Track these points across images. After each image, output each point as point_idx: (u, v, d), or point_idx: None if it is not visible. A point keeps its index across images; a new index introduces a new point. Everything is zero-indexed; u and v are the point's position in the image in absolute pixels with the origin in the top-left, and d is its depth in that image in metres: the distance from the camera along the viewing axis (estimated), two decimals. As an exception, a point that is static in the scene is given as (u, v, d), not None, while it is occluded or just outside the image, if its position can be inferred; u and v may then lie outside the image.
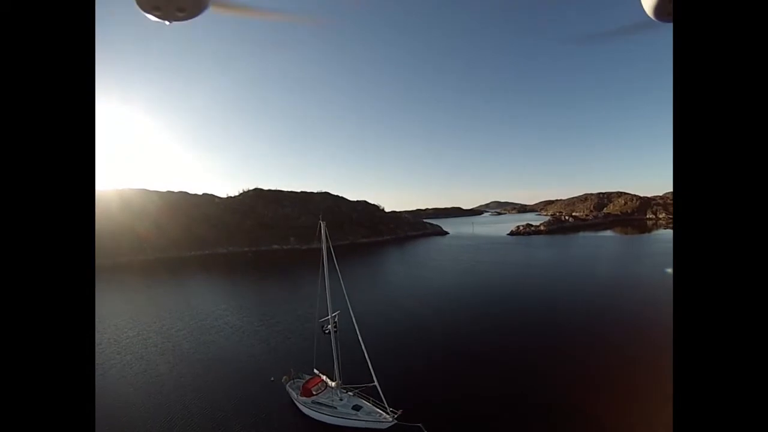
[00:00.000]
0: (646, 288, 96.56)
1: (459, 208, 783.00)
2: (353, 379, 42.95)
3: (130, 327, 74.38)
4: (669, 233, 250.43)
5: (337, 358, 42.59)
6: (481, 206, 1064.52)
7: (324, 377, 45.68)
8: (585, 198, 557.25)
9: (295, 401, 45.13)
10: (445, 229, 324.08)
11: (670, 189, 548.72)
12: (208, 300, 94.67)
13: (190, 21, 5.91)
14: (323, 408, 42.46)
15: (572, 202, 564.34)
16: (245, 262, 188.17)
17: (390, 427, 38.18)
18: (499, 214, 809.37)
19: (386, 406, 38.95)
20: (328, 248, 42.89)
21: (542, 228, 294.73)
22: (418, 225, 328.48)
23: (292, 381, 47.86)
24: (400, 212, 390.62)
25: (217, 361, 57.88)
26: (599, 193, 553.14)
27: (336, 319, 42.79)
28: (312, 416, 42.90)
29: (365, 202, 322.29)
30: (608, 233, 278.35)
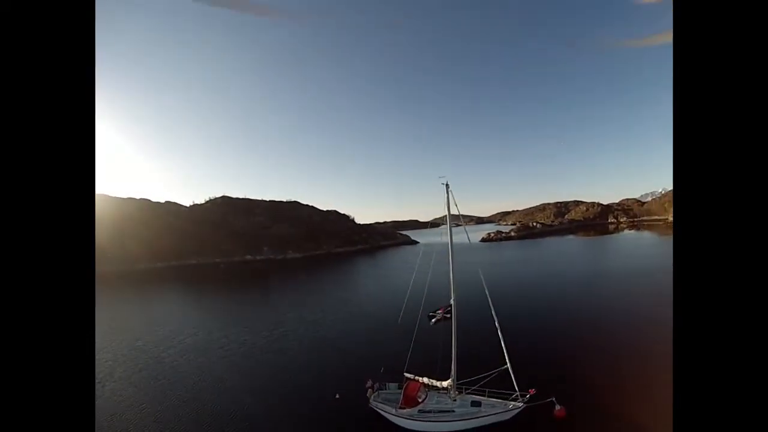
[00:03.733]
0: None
1: (416, 221, 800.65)
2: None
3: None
4: (633, 234, 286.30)
5: (456, 351, 36.75)
6: (437, 218, 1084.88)
7: (425, 379, 37.79)
8: (543, 208, 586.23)
9: (392, 416, 36.22)
10: (413, 239, 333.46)
11: (626, 196, 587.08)
12: (209, 318, 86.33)
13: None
14: (438, 416, 34.98)
15: (530, 212, 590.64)
16: (240, 271, 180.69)
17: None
18: (457, 225, 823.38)
19: (516, 390, 35.07)
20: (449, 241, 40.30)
21: (512, 234, 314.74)
22: (390, 235, 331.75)
23: (376, 393, 38.67)
24: (372, 224, 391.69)
25: (254, 393, 45.65)
26: (557, 203, 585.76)
27: (452, 306, 36.99)
28: (419, 429, 35.13)
29: (336, 212, 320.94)
30: (571, 237, 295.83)
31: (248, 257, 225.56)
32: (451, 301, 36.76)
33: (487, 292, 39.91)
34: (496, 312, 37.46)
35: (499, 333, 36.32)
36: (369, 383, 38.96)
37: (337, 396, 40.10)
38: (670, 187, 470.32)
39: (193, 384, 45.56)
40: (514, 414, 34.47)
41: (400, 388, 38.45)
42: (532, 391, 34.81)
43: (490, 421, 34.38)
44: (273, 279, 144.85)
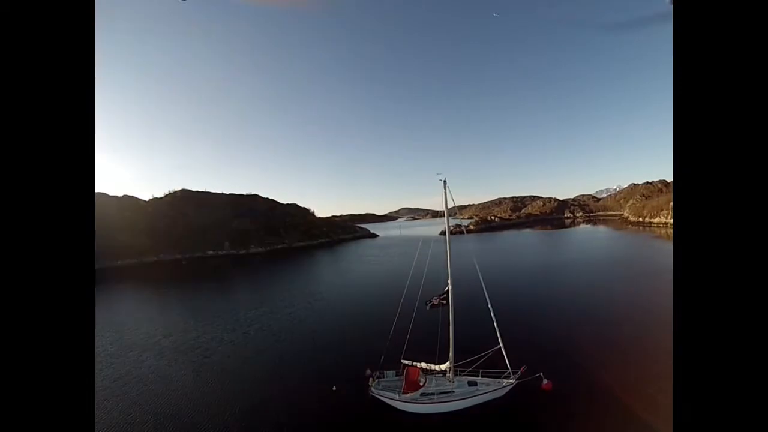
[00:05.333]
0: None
1: (373, 215, 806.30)
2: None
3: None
4: (589, 227, 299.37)
5: (453, 337, 39.31)
6: (392, 213, 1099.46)
7: (423, 364, 39.88)
8: (500, 202, 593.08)
9: (395, 401, 37.86)
10: (373, 232, 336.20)
11: (582, 192, 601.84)
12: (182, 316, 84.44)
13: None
14: (439, 397, 37.13)
15: (487, 206, 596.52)
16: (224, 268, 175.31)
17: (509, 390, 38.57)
18: (414, 219, 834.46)
19: (509, 368, 38.55)
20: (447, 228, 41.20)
21: (471, 227, 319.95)
22: (349, 228, 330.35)
23: (376, 382, 39.82)
24: (330, 217, 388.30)
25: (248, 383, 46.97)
26: (513, 197, 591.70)
27: (448, 292, 38.51)
28: (423, 411, 36.98)
29: (296, 205, 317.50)
30: (527, 231, 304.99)
31: (210, 253, 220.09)
32: (448, 287, 38.33)
33: (480, 278, 42.39)
34: (488, 296, 40.44)
35: (492, 315, 39.19)
36: (368, 372, 40.30)
37: (335, 388, 41.07)
38: (625, 185, 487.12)
39: (181, 387, 45.25)
40: (507, 390, 37.73)
41: (396, 375, 40.27)
42: (524, 369, 38.26)
43: (487, 398, 37.18)
44: (238, 275, 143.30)
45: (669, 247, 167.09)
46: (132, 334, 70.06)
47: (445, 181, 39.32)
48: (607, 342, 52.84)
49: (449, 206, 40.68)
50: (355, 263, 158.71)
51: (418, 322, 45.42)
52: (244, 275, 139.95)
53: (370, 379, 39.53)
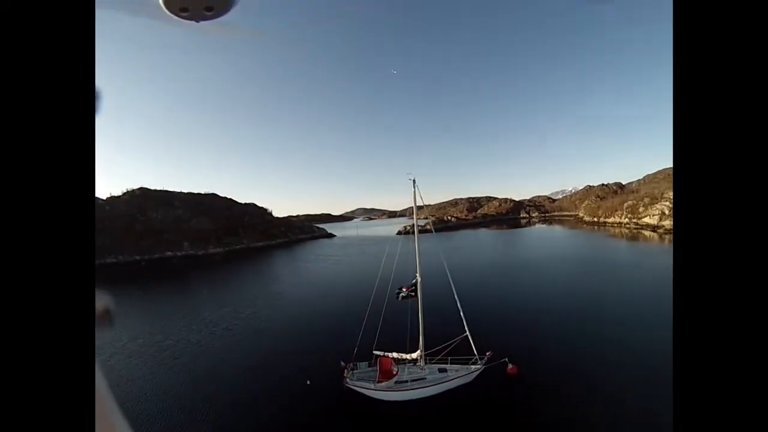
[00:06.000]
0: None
1: (329, 215, 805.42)
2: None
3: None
4: (545, 227, 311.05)
5: (423, 326, 41.95)
6: (348, 213, 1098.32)
7: (394, 354, 42.11)
8: (455, 203, 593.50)
9: (371, 391, 39.43)
10: (330, 232, 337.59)
11: (538, 193, 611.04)
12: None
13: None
14: (412, 384, 39.20)
15: (443, 206, 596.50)
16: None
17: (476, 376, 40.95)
18: (370, 219, 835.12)
19: (476, 354, 40.95)
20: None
21: (428, 227, 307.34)
22: (307, 228, 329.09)
23: (351, 374, 41.29)
24: (287, 217, 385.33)
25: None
26: (469, 198, 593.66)
27: (417, 284, 41.35)
28: (397, 399, 39.01)
29: (254, 205, 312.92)
30: (484, 230, 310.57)
31: (168, 253, 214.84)
32: (417, 279, 40.91)
33: (447, 271, 46.50)
34: (454, 288, 43.60)
35: (459, 305, 42.09)
36: (342, 365, 41.79)
37: (309, 382, 42.19)
38: (581, 186, 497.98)
39: (155, 390, 45.01)
40: (475, 375, 40.22)
41: (369, 366, 41.90)
42: (489, 354, 40.93)
43: (457, 384, 39.44)
44: (199, 276, 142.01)
45: (623, 244, 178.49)
46: (97, 338, 68.27)
47: (414, 181, 41.57)
48: (565, 330, 57.36)
49: (419, 204, 43.42)
50: (315, 263, 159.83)
51: (388, 316, 47.60)
52: (206, 276, 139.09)
53: (345, 371, 40.94)
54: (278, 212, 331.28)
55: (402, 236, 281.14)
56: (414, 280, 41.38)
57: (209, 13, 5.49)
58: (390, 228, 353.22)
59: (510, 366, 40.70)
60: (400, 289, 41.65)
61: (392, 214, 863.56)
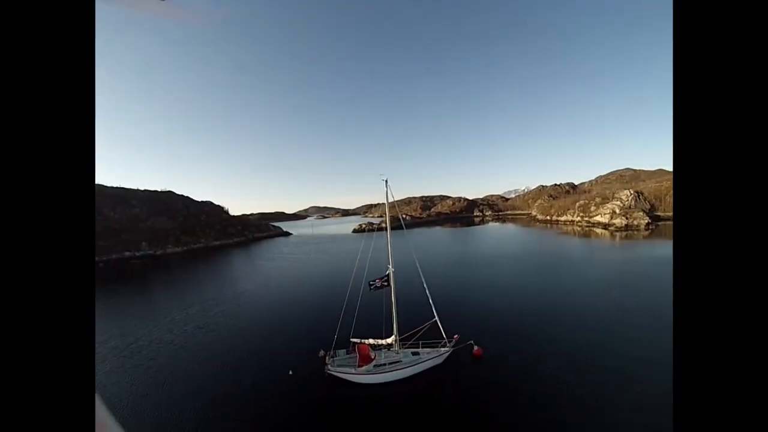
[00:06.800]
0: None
1: (283, 213, 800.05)
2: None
3: None
4: (498, 225, 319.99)
5: (396, 313, 44.55)
6: (302, 211, 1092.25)
7: (371, 340, 45.56)
8: (409, 201, 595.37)
9: (352, 375, 42.18)
10: (286, 230, 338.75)
11: (491, 192, 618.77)
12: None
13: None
14: (390, 366, 42.22)
15: (395, 204, 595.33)
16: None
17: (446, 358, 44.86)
18: (324, 217, 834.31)
19: (445, 337, 45.47)
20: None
21: (383, 225, 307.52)
22: (263, 227, 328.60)
23: (332, 360, 44.19)
24: (243, 215, 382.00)
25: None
26: (422, 196, 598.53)
27: (390, 275, 44.03)
28: (376, 381, 41.95)
29: (211, 203, 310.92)
30: (438, 228, 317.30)
31: (127, 254, 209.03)
32: (389, 271, 43.78)
33: (417, 262, 52.73)
34: (423, 277, 48.16)
35: (428, 293, 46.19)
36: (321, 353, 44.80)
37: (291, 372, 44.24)
38: (534, 186, 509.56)
39: (135, 392, 44.66)
40: (445, 357, 44.22)
41: (347, 353, 45.08)
42: (456, 337, 45.76)
43: (430, 365, 43.18)
44: (161, 276, 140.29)
45: (575, 241, 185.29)
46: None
47: (386, 181, 44.89)
48: (522, 316, 63.24)
49: (390, 202, 47.02)
50: (274, 261, 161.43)
51: (363, 307, 50.77)
52: (167, 276, 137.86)
53: (327, 358, 43.97)
54: (233, 211, 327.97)
55: (359, 234, 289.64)
56: (387, 272, 44.18)
57: None
58: (345, 226, 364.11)
59: (475, 348, 46.12)
60: (374, 280, 44.35)
61: (345, 213, 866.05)
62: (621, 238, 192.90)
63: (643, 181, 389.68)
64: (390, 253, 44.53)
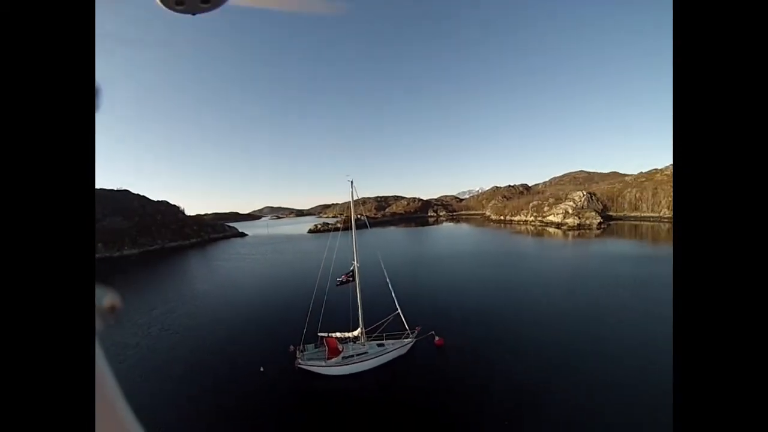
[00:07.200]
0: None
1: (237, 213, 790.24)
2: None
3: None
4: (452, 225, 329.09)
5: (362, 307, 47.24)
6: (255, 211, 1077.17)
7: (337, 334, 47.26)
8: (363, 201, 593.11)
9: (322, 368, 43.84)
10: (241, 231, 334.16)
11: (445, 193, 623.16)
12: None
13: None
14: (358, 357, 44.55)
15: (352, 204, 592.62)
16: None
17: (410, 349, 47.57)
18: (279, 217, 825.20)
19: (408, 328, 47.76)
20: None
21: (339, 225, 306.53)
22: (219, 227, 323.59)
23: (302, 355, 45.41)
24: (198, 215, 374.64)
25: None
26: (377, 197, 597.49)
27: (354, 270, 46.69)
28: (345, 372, 43.85)
29: (167, 202, 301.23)
30: (392, 228, 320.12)
31: None
32: (355, 267, 46.68)
33: (380, 259, 54.92)
34: (386, 272, 51.55)
35: (390, 287, 49.47)
36: (291, 348, 46.17)
37: (263, 369, 45.38)
38: (488, 187, 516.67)
39: None
40: (408, 347, 47.14)
41: (316, 347, 46.69)
42: (419, 328, 48.42)
43: (394, 355, 45.85)
44: (120, 279, 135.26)
45: (528, 239, 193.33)
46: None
47: (352, 183, 49.14)
48: (479, 308, 68.55)
49: (356, 201, 51.15)
50: (233, 261, 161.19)
51: (330, 303, 52.84)
52: (126, 279, 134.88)
53: (297, 353, 45.39)
54: (189, 210, 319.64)
55: (315, 234, 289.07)
56: (351, 267, 46.98)
57: (204, 6, 5.47)
58: (300, 227, 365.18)
59: (437, 338, 49.43)
60: (340, 276, 47.13)
61: (300, 213, 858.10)
62: (573, 236, 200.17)
63: (597, 182, 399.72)
64: (354, 249, 47.28)
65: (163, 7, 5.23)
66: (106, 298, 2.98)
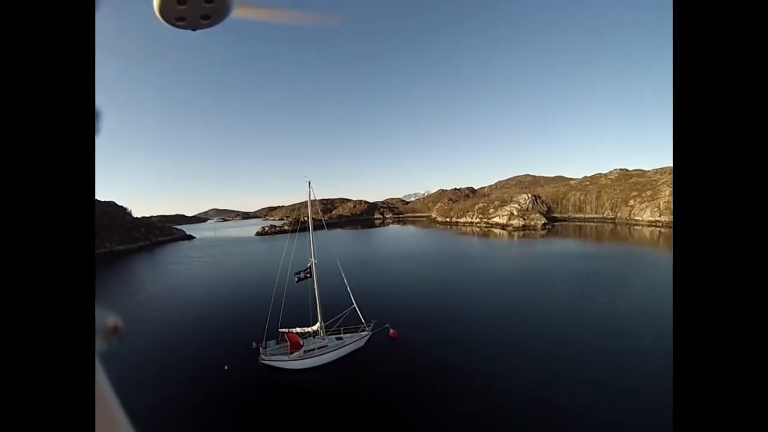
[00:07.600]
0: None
1: (183, 216, 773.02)
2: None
3: None
4: (399, 227, 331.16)
5: (319, 302, 49.11)
6: (201, 214, 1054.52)
7: (297, 329, 48.68)
8: (312, 203, 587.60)
9: (285, 362, 44.95)
10: (188, 234, 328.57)
11: (392, 196, 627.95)
12: None
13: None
14: (319, 351, 46.01)
15: (297, 207, 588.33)
16: None
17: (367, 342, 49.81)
18: (225, 220, 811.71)
19: (364, 322, 50.00)
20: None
21: (286, 227, 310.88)
22: (166, 230, 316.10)
23: (264, 351, 46.19)
24: (144, 217, 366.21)
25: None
26: (323, 199, 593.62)
27: (312, 267, 48.62)
28: (306, 366, 45.14)
29: (114, 203, 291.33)
30: (339, 230, 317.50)
31: None
32: (312, 263, 48.58)
33: (336, 257, 56.79)
34: (342, 269, 53.99)
35: (345, 282, 52.08)
36: (254, 345, 46.60)
37: (227, 367, 45.42)
38: (433, 189, 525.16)
39: None
40: (366, 340, 49.53)
41: (277, 343, 47.88)
42: (374, 321, 50.83)
43: (353, 348, 48.19)
44: None
45: (473, 240, 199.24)
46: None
47: (309, 183, 51.96)
48: (427, 302, 73.57)
49: (309, 208, 53.79)
50: (181, 264, 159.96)
51: (289, 299, 54.50)
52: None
53: (260, 349, 46.03)
54: (135, 212, 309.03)
55: (262, 237, 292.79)
56: (309, 264, 48.90)
57: (205, 22, 5.46)
58: (247, 229, 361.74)
59: (391, 331, 51.97)
60: (299, 272, 48.74)
61: (246, 215, 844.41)
62: (518, 237, 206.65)
63: (542, 186, 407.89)
64: (312, 248, 49.43)
65: (165, 24, 5.38)
66: (108, 319, 3.01)
